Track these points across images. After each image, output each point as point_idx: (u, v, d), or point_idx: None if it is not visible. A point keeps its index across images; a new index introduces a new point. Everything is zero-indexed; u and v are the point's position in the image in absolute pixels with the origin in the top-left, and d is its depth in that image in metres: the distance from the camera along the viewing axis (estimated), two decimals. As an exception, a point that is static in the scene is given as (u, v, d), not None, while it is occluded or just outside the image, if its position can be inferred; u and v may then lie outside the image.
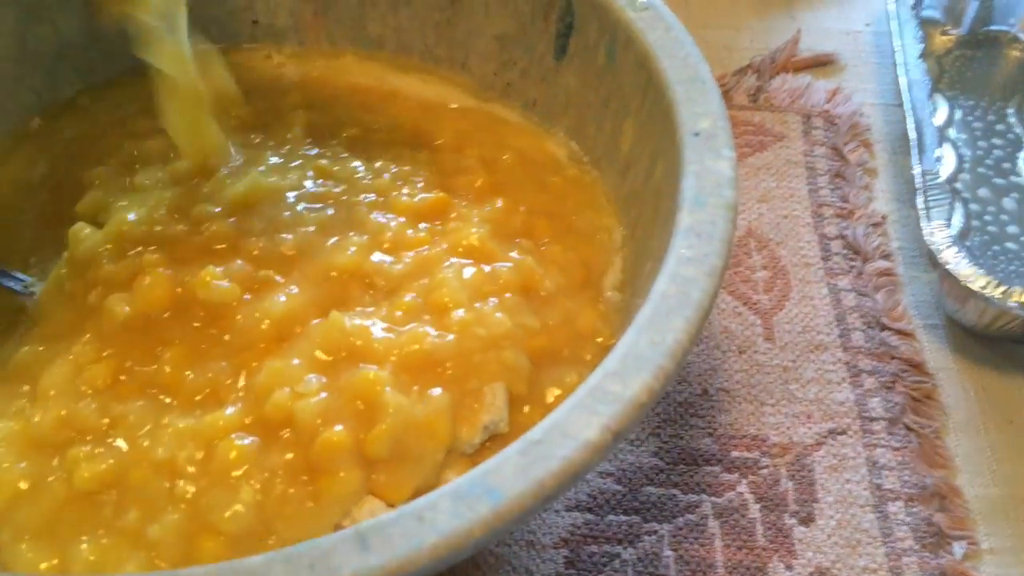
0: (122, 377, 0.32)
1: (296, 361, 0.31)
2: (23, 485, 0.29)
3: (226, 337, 0.32)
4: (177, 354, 0.32)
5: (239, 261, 0.34)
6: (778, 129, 0.54)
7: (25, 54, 0.41)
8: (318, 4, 0.45)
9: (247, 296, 0.33)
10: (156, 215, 0.35)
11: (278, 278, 0.34)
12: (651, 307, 0.27)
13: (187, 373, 0.32)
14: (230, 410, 0.30)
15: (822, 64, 0.58)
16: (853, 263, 0.47)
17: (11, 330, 0.34)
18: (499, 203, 0.37)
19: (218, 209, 0.35)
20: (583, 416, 0.25)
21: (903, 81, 0.51)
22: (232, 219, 0.35)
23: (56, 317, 0.34)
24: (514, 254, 0.35)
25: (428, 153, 0.40)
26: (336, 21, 0.45)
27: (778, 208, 0.50)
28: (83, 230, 0.35)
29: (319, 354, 0.31)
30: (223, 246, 0.35)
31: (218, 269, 0.33)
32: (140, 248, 0.34)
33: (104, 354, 0.32)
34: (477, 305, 0.32)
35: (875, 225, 0.49)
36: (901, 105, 0.51)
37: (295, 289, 0.33)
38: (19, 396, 0.32)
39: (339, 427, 0.29)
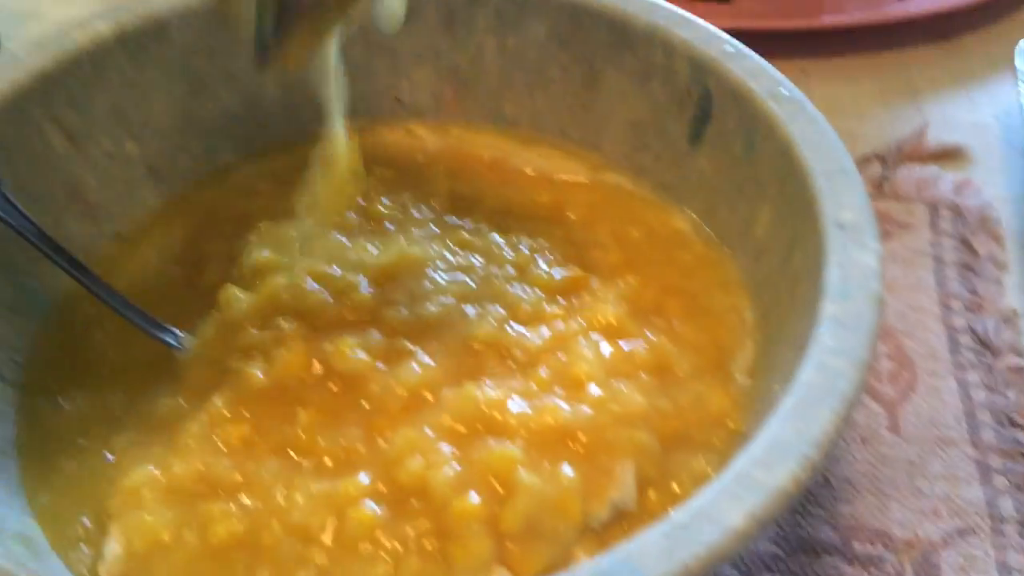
0: (256, 438, 0.33)
1: (429, 431, 0.32)
2: (164, 536, 0.31)
3: (362, 403, 0.34)
4: (312, 418, 0.33)
5: (375, 332, 0.35)
6: (904, 219, 0.53)
7: (189, 124, 0.44)
8: (458, 84, 0.47)
9: (382, 365, 0.34)
10: (301, 283, 0.37)
11: (414, 348, 0.35)
12: (796, 396, 0.27)
13: (321, 438, 0.33)
14: (363, 477, 0.31)
15: (949, 155, 0.57)
16: (983, 358, 0.46)
17: (157, 379, 0.36)
18: (632, 280, 0.38)
19: (362, 277, 0.37)
20: (729, 502, 0.25)
21: (1038, 176, 0.50)
22: (374, 289, 0.37)
23: (198, 374, 0.36)
24: (649, 333, 0.35)
25: (563, 229, 0.41)
26: (474, 101, 0.48)
27: (904, 298, 0.49)
28: (233, 294, 0.37)
29: (452, 424, 0.32)
30: (362, 316, 0.36)
31: (354, 339, 0.35)
32: (282, 316, 0.36)
33: (240, 414, 0.34)
34: (613, 382, 0.33)
35: (1006, 320, 0.47)
36: (1033, 200, 0.51)
37: (429, 359, 0.34)
38: (159, 444, 0.34)
39: (473, 496, 0.30)
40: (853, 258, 0.31)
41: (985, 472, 0.41)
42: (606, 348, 0.34)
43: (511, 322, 0.36)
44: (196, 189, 0.44)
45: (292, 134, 0.46)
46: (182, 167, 0.44)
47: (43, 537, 0.31)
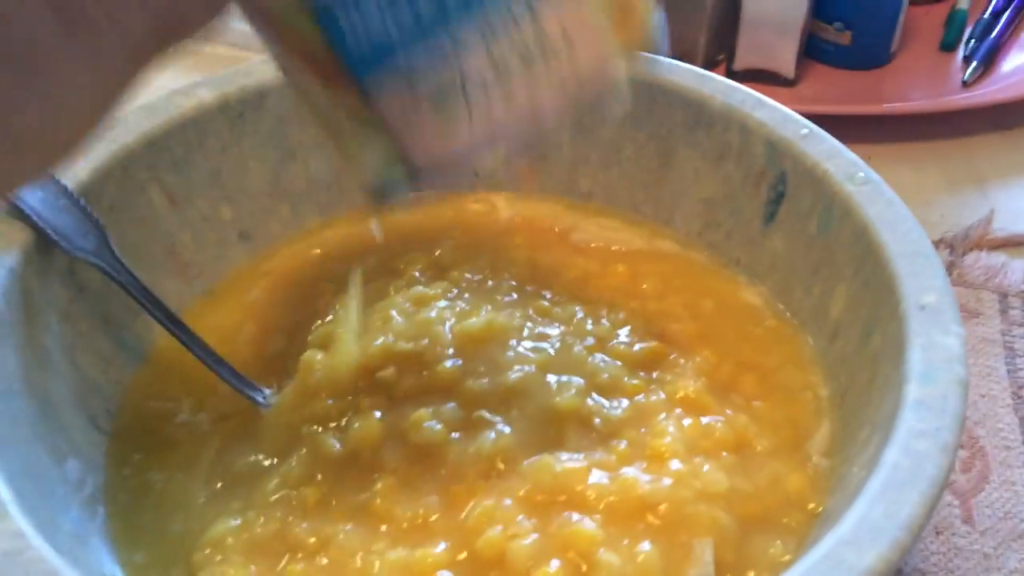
0: (332, 500, 0.34)
1: (508, 501, 0.32)
2: None
3: (440, 472, 0.34)
4: (388, 484, 0.34)
5: (451, 404, 0.36)
6: (973, 306, 0.53)
7: (278, 189, 0.46)
8: (534, 160, 0.49)
9: (457, 435, 0.35)
10: (389, 349, 0.38)
11: (493, 418, 0.35)
12: (882, 477, 0.27)
13: (397, 505, 0.33)
14: (441, 546, 0.31)
15: (1017, 244, 0.57)
16: (1058, 450, 0.45)
17: (238, 438, 0.37)
18: (707, 354, 0.39)
19: (445, 347, 0.38)
20: (820, 581, 0.25)
21: (1112, 267, 0.50)
22: (457, 358, 0.37)
23: (277, 435, 0.36)
24: (728, 411, 0.36)
25: (638, 300, 0.42)
26: (548, 175, 0.49)
27: (975, 386, 0.48)
28: (315, 356, 0.38)
29: (531, 495, 0.33)
30: (443, 384, 0.37)
31: (428, 410, 0.35)
32: (360, 385, 0.37)
33: (315, 477, 0.34)
34: (692, 458, 0.33)
35: (1081, 412, 0.47)
36: (1107, 291, 0.50)
37: (507, 429, 0.35)
38: (238, 500, 0.34)
39: (555, 563, 0.30)
40: (936, 341, 0.31)
41: (1064, 567, 0.40)
42: (687, 422, 0.35)
43: (592, 393, 0.36)
44: (282, 251, 0.46)
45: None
46: (270, 230, 0.46)
47: None
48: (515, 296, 0.41)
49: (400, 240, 0.44)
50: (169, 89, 0.42)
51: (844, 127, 0.63)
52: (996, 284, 0.54)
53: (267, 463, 0.35)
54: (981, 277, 0.55)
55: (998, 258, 0.56)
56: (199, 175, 0.43)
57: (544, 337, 0.38)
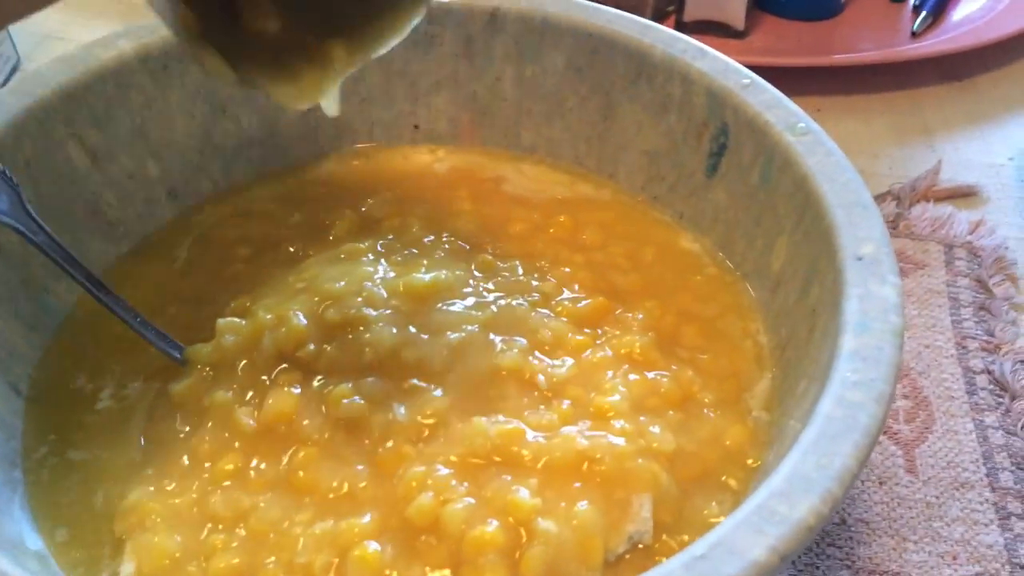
0: (251, 472, 0.32)
1: (439, 466, 0.31)
2: (172, 560, 0.30)
3: (365, 440, 0.33)
4: (309, 455, 0.32)
5: (372, 378, 0.34)
6: (919, 257, 0.53)
7: (208, 145, 0.44)
8: (476, 113, 0.47)
9: (392, 405, 0.33)
10: (313, 313, 0.36)
11: (426, 385, 0.34)
12: (816, 429, 0.27)
13: (320, 474, 0.32)
14: (367, 517, 0.30)
15: (963, 195, 0.57)
16: (1000, 400, 0.45)
17: (156, 403, 0.36)
18: (650, 306, 0.38)
19: (384, 310, 0.36)
20: (749, 535, 0.24)
21: (1054, 217, 0.50)
22: (391, 326, 0.35)
23: (192, 404, 0.35)
24: (674, 365, 0.35)
25: (583, 253, 0.41)
26: (491, 128, 0.48)
27: (920, 337, 0.48)
28: (232, 324, 0.36)
29: (464, 458, 0.32)
30: (370, 357, 0.35)
31: (349, 385, 0.33)
32: (280, 354, 0.35)
33: (233, 447, 0.33)
34: (640, 418, 0.33)
35: (1023, 362, 0.47)
36: (1049, 241, 0.50)
37: (439, 392, 0.34)
38: (154, 467, 0.33)
39: (492, 523, 0.29)
40: (872, 291, 0.31)
41: (1004, 516, 0.41)
42: (631, 377, 0.34)
43: (536, 352, 0.35)
44: (211, 210, 0.44)
45: (307, 157, 0.47)
46: (200, 188, 0.45)
47: (53, 557, 0.31)
48: (455, 252, 0.40)
49: (329, 194, 0.43)
50: (88, 40, 0.41)
51: (794, 79, 0.63)
52: (942, 235, 0.54)
53: (183, 433, 0.34)
54: (927, 229, 0.55)
55: (944, 209, 0.56)
56: (122, 131, 0.41)
57: (487, 293, 0.37)
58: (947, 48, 0.64)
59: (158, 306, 0.39)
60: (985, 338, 0.48)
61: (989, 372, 0.47)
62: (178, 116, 0.43)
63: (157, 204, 0.43)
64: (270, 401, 0.33)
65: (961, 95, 0.65)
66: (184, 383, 0.35)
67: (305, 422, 0.33)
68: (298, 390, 0.34)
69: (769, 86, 0.39)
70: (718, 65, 0.40)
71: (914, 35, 0.66)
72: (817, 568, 0.39)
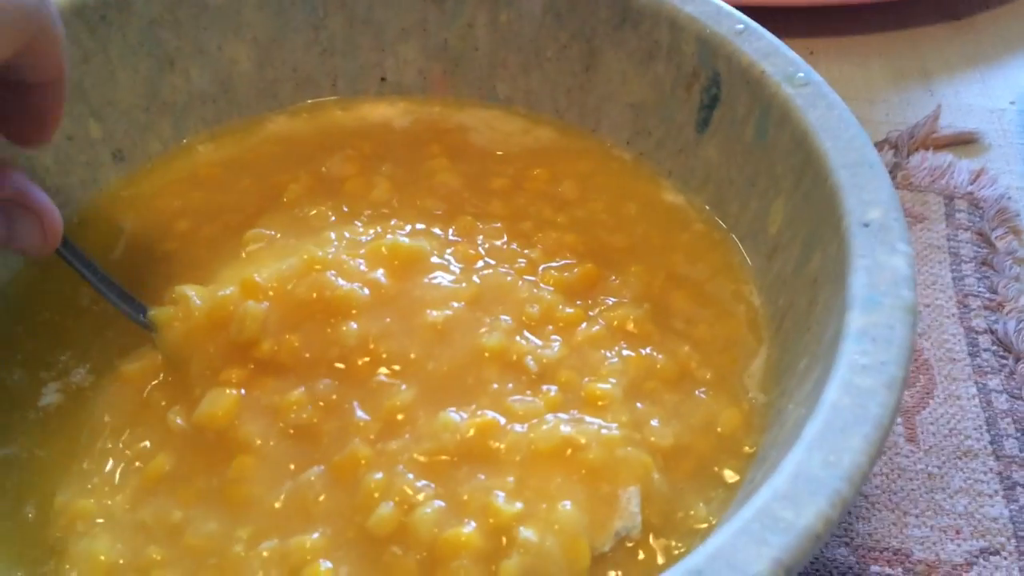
0: (183, 482, 0.29)
1: (403, 468, 0.29)
2: (108, 571, 0.28)
3: (319, 446, 0.30)
4: (248, 465, 0.29)
5: (327, 381, 0.31)
6: (918, 210, 0.50)
7: (155, 102, 0.41)
8: (447, 63, 0.44)
9: (352, 406, 0.30)
10: (265, 295, 0.32)
11: (394, 380, 0.31)
12: (822, 420, 0.24)
13: (261, 487, 0.29)
14: (316, 533, 0.28)
15: (964, 142, 0.54)
16: (1004, 361, 0.43)
17: (95, 396, 0.33)
18: (638, 270, 0.36)
19: (357, 284, 0.33)
20: (751, 546, 0.22)
21: (1062, 167, 0.47)
22: (351, 323, 0.32)
23: (123, 402, 0.32)
24: (669, 341, 0.33)
25: (564, 211, 0.39)
26: (464, 80, 0.44)
27: (919, 296, 0.46)
28: (168, 314, 0.32)
29: (432, 457, 0.29)
30: (331, 352, 0.31)
31: (301, 390, 0.30)
32: (221, 349, 0.31)
33: (165, 449, 0.30)
34: (637, 405, 0.30)
35: (1027, 320, 0.45)
36: (1055, 191, 0.48)
37: (404, 387, 0.31)
38: (94, 474, 0.30)
39: (470, 525, 0.27)
40: (881, 262, 0.28)
41: (1010, 487, 0.39)
42: (626, 353, 0.32)
43: (524, 331, 0.32)
44: (159, 174, 0.41)
45: (264, 110, 0.43)
46: (149, 148, 0.41)
47: None
48: (429, 215, 0.37)
49: (285, 153, 0.40)
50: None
51: (785, 20, 0.60)
52: (942, 186, 0.51)
53: (120, 430, 0.31)
54: (927, 179, 0.52)
55: (944, 158, 0.53)
56: (57, 89, 0.37)
57: (469, 261, 0.34)
58: (946, -16, 0.61)
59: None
60: (988, 295, 0.46)
61: (992, 332, 0.44)
62: (120, 71, 0.39)
63: (101, 168, 0.40)
64: (205, 402, 0.30)
65: (960, 35, 0.62)
66: (135, 365, 0.32)
67: (246, 428, 0.30)
68: (243, 392, 0.30)
69: (765, 32, 0.36)
70: (709, 9, 0.37)
71: (912, -29, 0.62)
72: (814, 546, 0.37)
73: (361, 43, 0.43)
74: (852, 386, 0.25)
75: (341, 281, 0.32)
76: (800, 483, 0.23)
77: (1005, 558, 0.37)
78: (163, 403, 0.31)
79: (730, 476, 0.30)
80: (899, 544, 0.37)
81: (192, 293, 0.32)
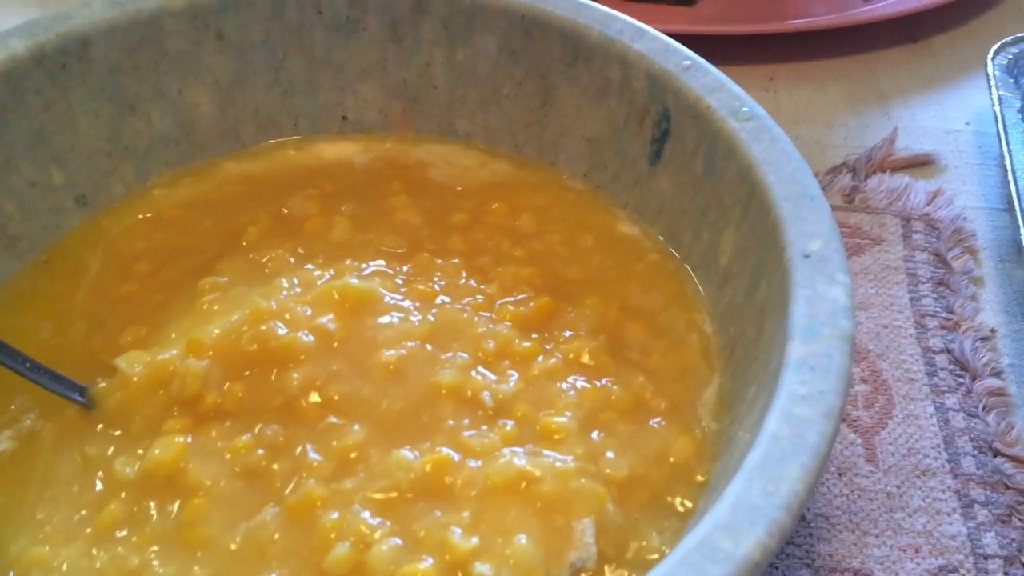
0: (136, 528, 0.29)
1: (357, 507, 0.29)
2: None
3: (273, 486, 0.30)
4: (200, 507, 0.30)
5: (276, 426, 0.31)
6: (876, 232, 0.51)
7: (118, 147, 0.41)
8: (407, 101, 0.45)
9: (303, 448, 0.31)
10: (222, 346, 0.33)
11: (344, 421, 0.31)
12: (761, 450, 0.25)
13: (214, 526, 0.29)
14: (274, 574, 0.28)
15: (920, 164, 0.55)
16: (961, 380, 0.44)
17: (58, 442, 0.33)
18: (593, 302, 0.37)
19: (298, 333, 0.33)
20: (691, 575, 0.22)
21: (1013, 187, 0.49)
22: (301, 368, 0.32)
23: (70, 454, 0.32)
24: (624, 371, 0.34)
25: (522, 245, 0.39)
26: (424, 117, 0.45)
27: (877, 317, 0.47)
28: (133, 364, 0.33)
29: (387, 493, 0.29)
30: (280, 399, 0.32)
31: (248, 436, 0.31)
32: (170, 400, 0.32)
33: (116, 497, 0.30)
34: (592, 435, 0.31)
35: (984, 339, 0.46)
36: (1008, 210, 0.49)
37: (358, 427, 0.31)
38: (49, 524, 0.30)
39: (427, 561, 0.27)
40: (820, 293, 0.29)
41: (967, 505, 0.39)
42: (580, 385, 0.32)
43: (479, 367, 0.33)
44: (120, 217, 0.41)
45: (226, 151, 0.44)
46: (112, 193, 0.42)
47: None
48: (388, 253, 0.38)
49: (246, 194, 0.40)
50: (-26, 41, 0.37)
51: (746, 47, 0.61)
52: (899, 208, 0.52)
53: (73, 478, 0.31)
54: (884, 201, 0.53)
55: (901, 180, 0.54)
56: (19, 136, 0.38)
57: (425, 299, 0.35)
58: (901, 9, 0.62)
59: (59, 327, 0.36)
60: (944, 315, 0.47)
61: (949, 351, 0.45)
62: (82, 117, 0.40)
63: (64, 213, 0.40)
64: (153, 449, 0.31)
65: (917, 58, 0.63)
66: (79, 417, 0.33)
67: (195, 470, 0.30)
68: (189, 439, 0.31)
69: (711, 68, 0.37)
70: (657, 46, 0.38)
71: (867, -3, 0.64)
72: (776, 568, 0.38)
73: (321, 83, 0.44)
74: (791, 416, 0.26)
75: (284, 331, 0.33)
76: (740, 513, 0.23)
77: (963, 575, 0.37)
78: (110, 452, 0.31)
79: (682, 505, 0.31)
80: (859, 564, 0.38)
81: (127, 365, 0.33)
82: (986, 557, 0.38)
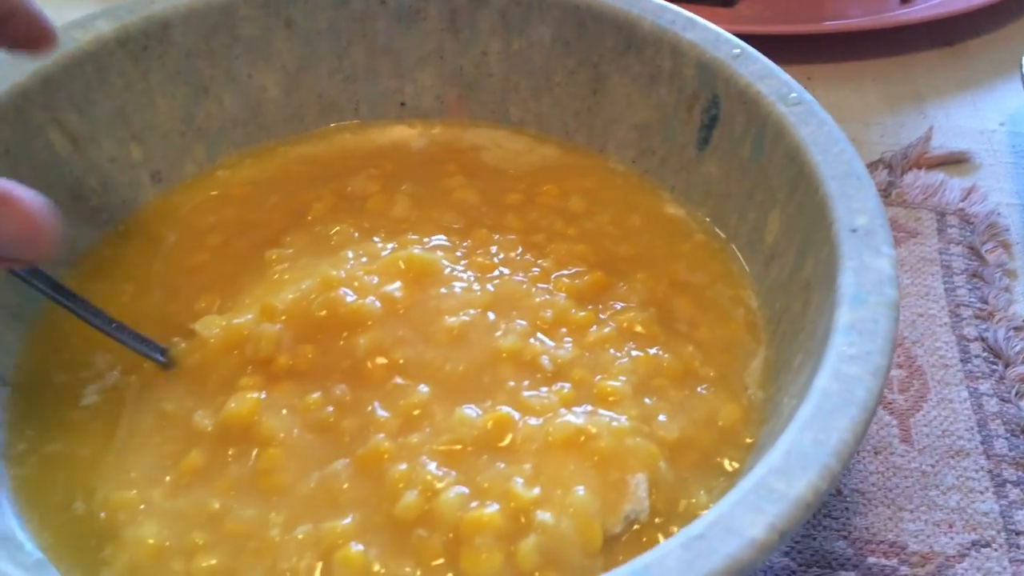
0: (216, 474, 0.31)
1: (425, 459, 0.31)
2: (155, 555, 0.30)
3: (345, 439, 0.32)
4: (275, 456, 0.32)
5: (342, 386, 0.33)
6: (911, 226, 0.53)
7: (191, 127, 0.44)
8: (463, 88, 0.47)
9: (372, 406, 0.33)
10: (294, 311, 0.35)
11: (408, 382, 0.33)
12: (812, 404, 0.27)
13: (290, 476, 0.31)
14: (348, 518, 0.30)
15: (955, 162, 0.57)
16: (994, 367, 0.45)
17: (136, 398, 0.35)
18: (643, 277, 0.39)
19: (368, 299, 0.35)
20: (747, 513, 0.24)
21: (1047, 183, 0.50)
22: (369, 336, 0.34)
23: (167, 402, 0.34)
24: (674, 341, 0.35)
25: (575, 224, 0.41)
26: (479, 104, 0.47)
27: (913, 306, 0.48)
28: (211, 327, 0.35)
29: (451, 447, 0.31)
30: (350, 362, 0.34)
31: (318, 395, 0.33)
32: (246, 362, 0.34)
33: (196, 450, 0.32)
34: (646, 400, 0.33)
35: (1016, 329, 0.47)
36: (1042, 207, 0.50)
37: (425, 388, 0.33)
38: (136, 469, 0.32)
39: (492, 507, 0.29)
40: (867, 263, 0.30)
41: (999, 484, 0.41)
42: (635, 354, 0.34)
43: (538, 333, 0.35)
44: (192, 193, 0.43)
45: (290, 133, 0.46)
46: (184, 171, 0.44)
47: (44, 553, 0.30)
48: (448, 228, 0.40)
49: (311, 173, 0.42)
50: (64, 21, 0.40)
51: (783, 47, 0.62)
52: (934, 203, 0.54)
53: (155, 429, 0.33)
54: (919, 196, 0.54)
55: (936, 176, 0.55)
56: (103, 114, 0.40)
57: (485, 270, 0.37)
58: (938, 12, 0.63)
59: (138, 293, 0.38)
60: (979, 305, 0.48)
61: (983, 339, 0.47)
62: (159, 98, 0.42)
63: (140, 188, 0.42)
64: (230, 404, 0.33)
65: (952, 60, 0.64)
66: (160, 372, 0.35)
67: (269, 423, 0.32)
68: (263, 395, 0.33)
69: (760, 56, 0.39)
70: (708, 35, 0.40)
71: (904, 0, 0.65)
72: (813, 539, 0.39)
73: (382, 70, 0.46)
74: (840, 374, 0.27)
75: (352, 297, 0.35)
76: (792, 459, 0.25)
77: (996, 550, 0.39)
78: (189, 406, 0.33)
79: (730, 465, 0.32)
80: (895, 537, 0.39)
81: (204, 328, 0.35)
82: (1018, 533, 0.39)
